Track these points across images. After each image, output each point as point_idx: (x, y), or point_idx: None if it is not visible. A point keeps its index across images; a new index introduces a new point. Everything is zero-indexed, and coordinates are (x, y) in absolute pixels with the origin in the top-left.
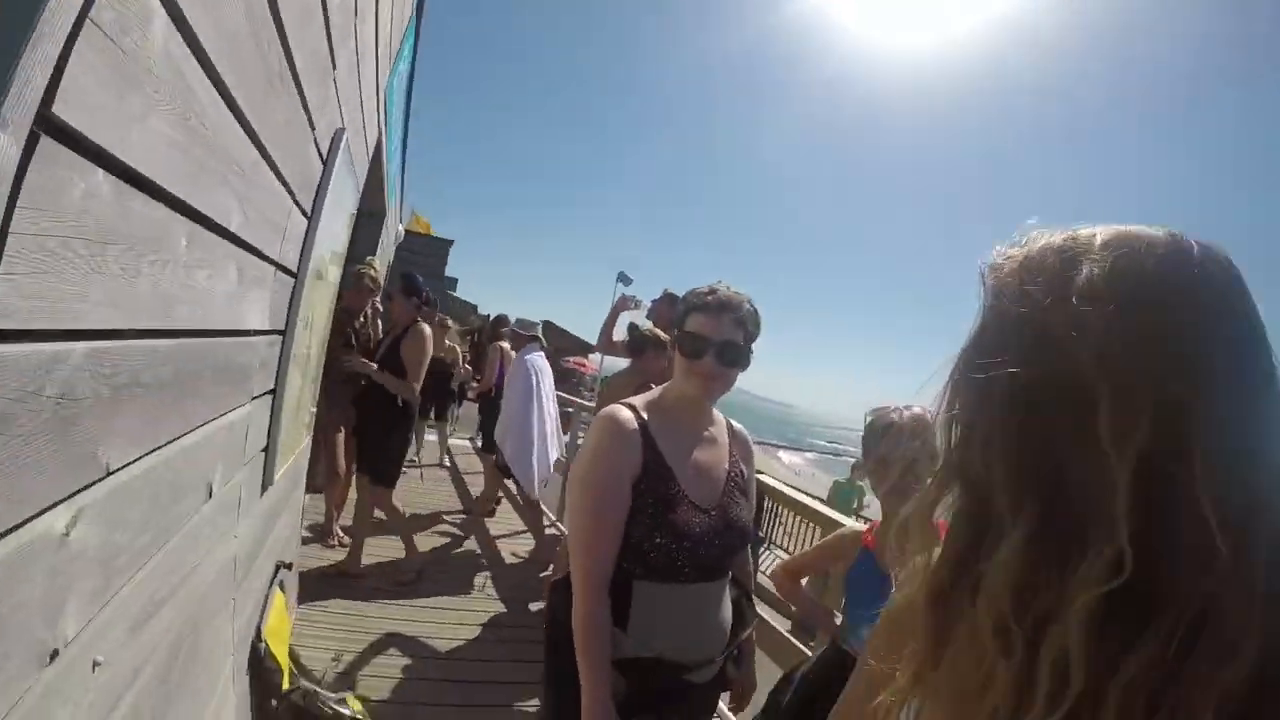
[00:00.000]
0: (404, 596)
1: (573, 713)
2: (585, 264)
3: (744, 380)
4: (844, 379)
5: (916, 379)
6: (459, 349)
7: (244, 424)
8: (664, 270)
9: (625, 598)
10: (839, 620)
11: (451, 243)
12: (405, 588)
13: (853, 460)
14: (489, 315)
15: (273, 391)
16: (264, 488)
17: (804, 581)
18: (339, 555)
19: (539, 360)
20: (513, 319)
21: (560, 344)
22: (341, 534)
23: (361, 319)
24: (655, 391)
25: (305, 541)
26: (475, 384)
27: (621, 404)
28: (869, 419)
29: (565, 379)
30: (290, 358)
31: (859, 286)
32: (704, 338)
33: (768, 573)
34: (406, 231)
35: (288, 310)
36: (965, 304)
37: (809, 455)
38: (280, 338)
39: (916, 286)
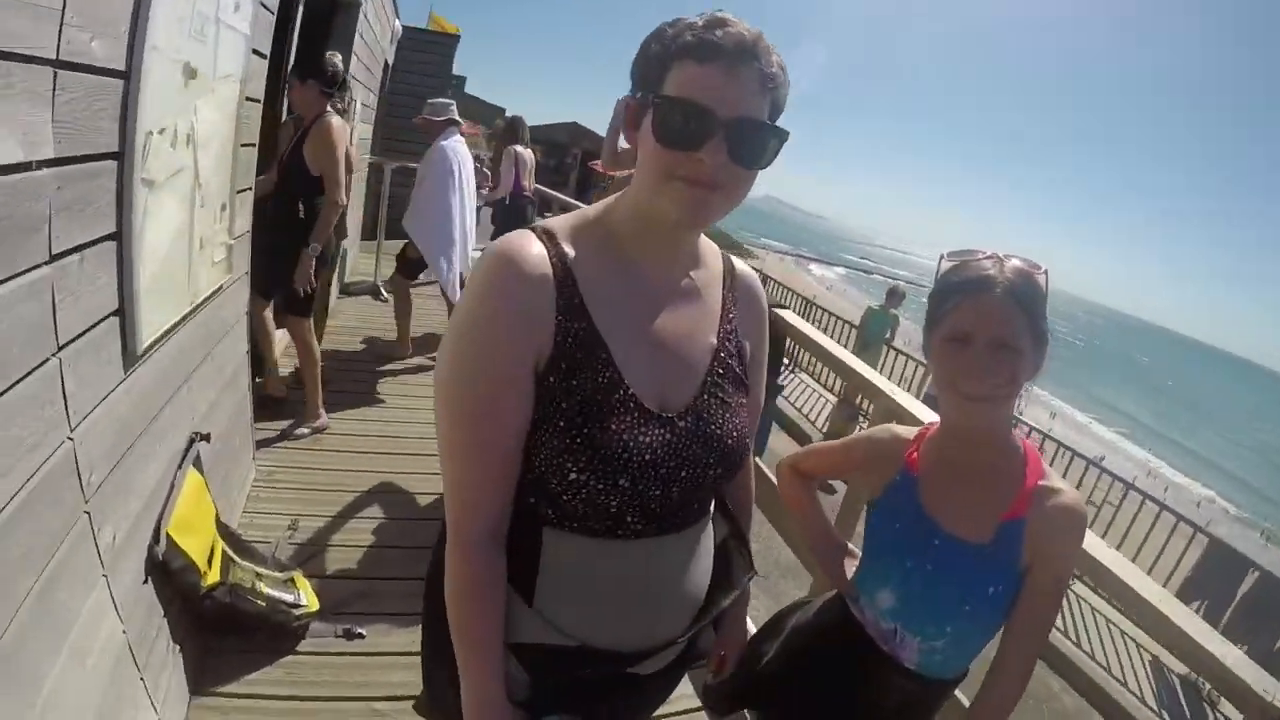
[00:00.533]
0: (370, 447)
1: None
2: (620, 62)
3: (779, 184)
4: (877, 190)
5: (957, 198)
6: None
7: (41, 293)
8: None
9: (531, 551)
10: (852, 571)
11: (457, 37)
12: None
13: (889, 283)
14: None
15: (114, 236)
16: (127, 362)
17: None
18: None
19: (459, 146)
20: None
21: (590, 147)
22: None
23: None
24: (596, 207)
25: (267, 401)
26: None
27: (531, 230)
28: (945, 266)
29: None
30: (138, 185)
31: (884, 91)
32: (702, 109)
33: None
34: (410, 29)
35: (121, 123)
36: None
37: (839, 270)
38: (114, 163)
39: (954, 105)
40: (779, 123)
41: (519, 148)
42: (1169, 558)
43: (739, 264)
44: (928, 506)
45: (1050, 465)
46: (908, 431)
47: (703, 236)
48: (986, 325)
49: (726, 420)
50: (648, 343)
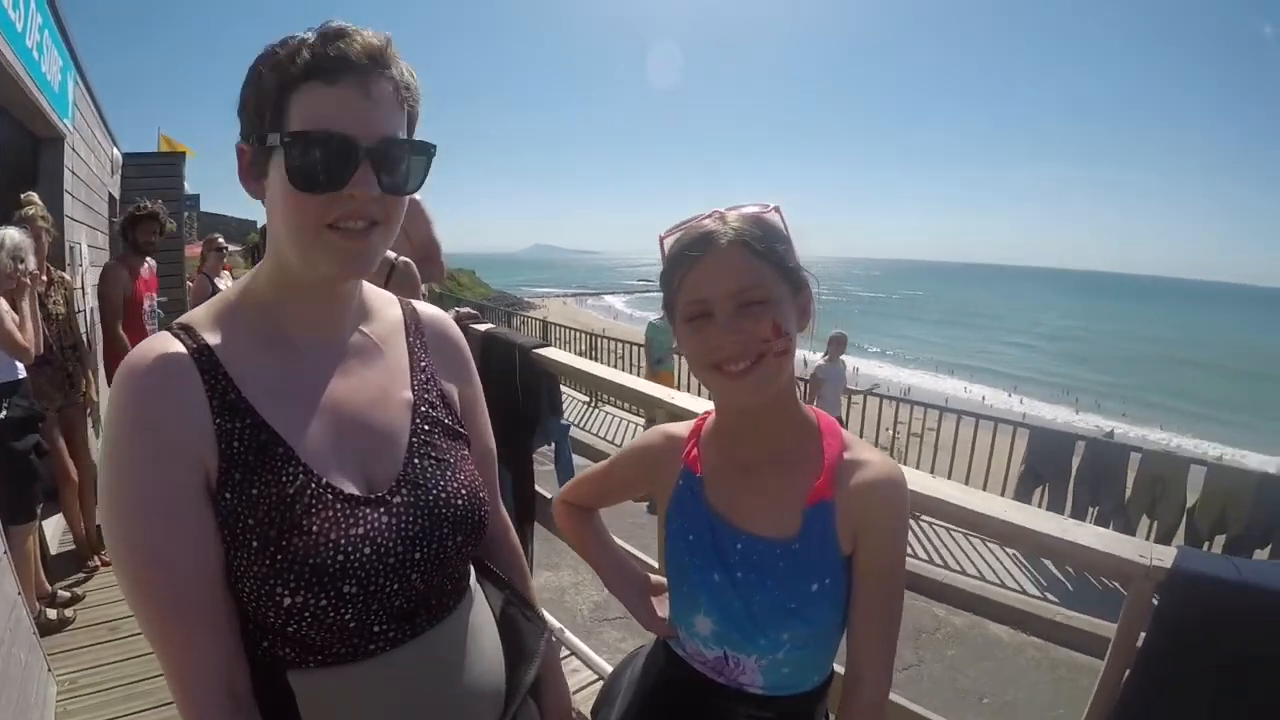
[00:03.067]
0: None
1: None
2: None
3: (544, 232)
4: (640, 216)
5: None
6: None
7: None
8: None
9: (283, 706)
10: (665, 610)
11: (183, 155)
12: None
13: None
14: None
15: None
16: None
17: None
18: (108, 579)
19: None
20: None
21: None
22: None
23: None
24: (236, 286)
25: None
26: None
27: (166, 330)
28: (668, 243)
29: None
30: None
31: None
32: (342, 138)
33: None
34: (134, 155)
35: None
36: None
37: (624, 297)
38: None
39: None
40: (421, 136)
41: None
42: (1000, 460)
43: (422, 307)
44: (719, 508)
45: (854, 419)
46: (681, 428)
47: (368, 284)
48: (722, 284)
49: (449, 480)
50: (331, 420)
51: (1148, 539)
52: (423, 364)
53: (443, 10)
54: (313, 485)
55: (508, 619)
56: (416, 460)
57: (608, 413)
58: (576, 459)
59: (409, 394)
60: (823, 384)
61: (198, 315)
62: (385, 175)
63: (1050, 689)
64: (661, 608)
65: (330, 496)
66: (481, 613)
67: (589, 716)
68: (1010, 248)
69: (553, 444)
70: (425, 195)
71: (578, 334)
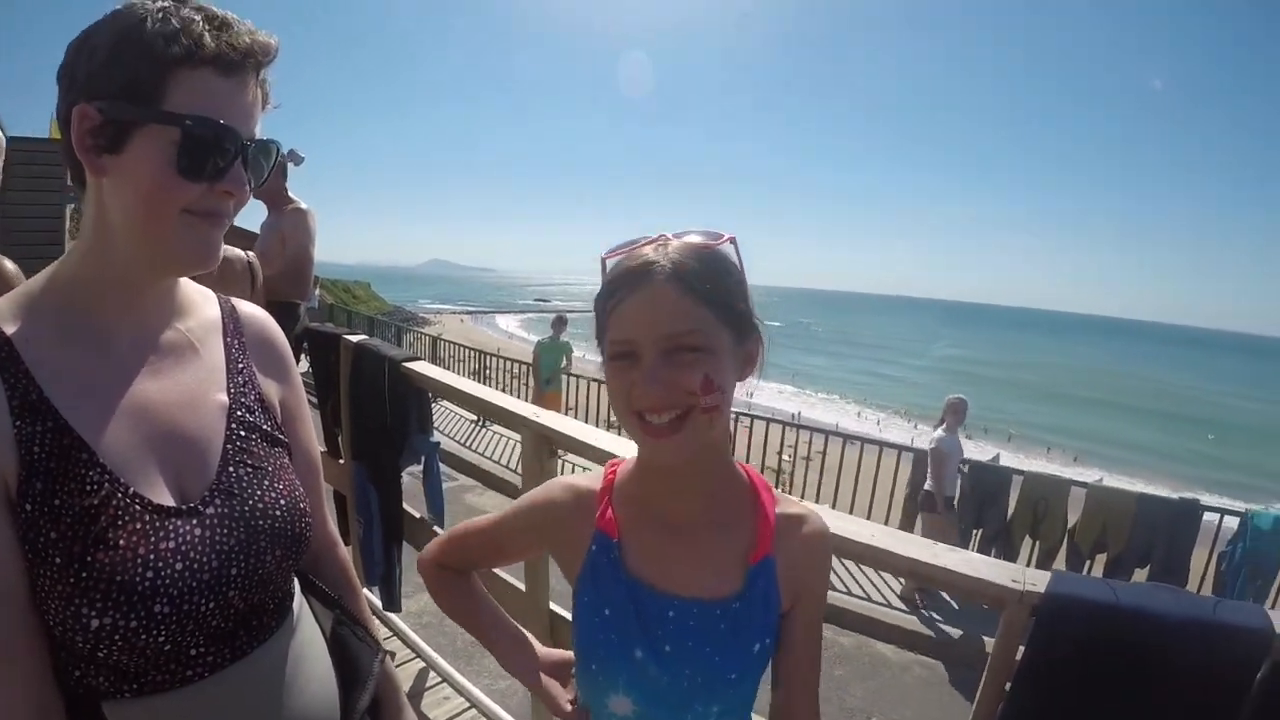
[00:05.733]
0: None
1: None
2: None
3: (441, 247)
4: (536, 236)
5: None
6: None
7: None
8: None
9: None
10: (571, 693)
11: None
12: None
13: (552, 314)
14: None
15: None
16: None
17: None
18: None
19: None
20: None
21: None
22: None
23: None
24: (42, 275)
25: None
26: None
27: None
28: (608, 266)
29: None
30: None
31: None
32: (231, 131)
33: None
34: (20, 140)
35: None
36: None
37: (520, 317)
38: None
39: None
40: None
41: None
42: (886, 484)
43: (242, 305)
44: (642, 575)
45: (740, 442)
46: (589, 481)
47: (186, 280)
48: (650, 326)
49: (266, 490)
50: (140, 423)
51: (1030, 559)
52: (240, 366)
53: (335, 18)
54: (119, 495)
55: (338, 639)
56: (231, 468)
57: (496, 432)
58: (462, 480)
59: (224, 397)
60: (947, 459)
61: (4, 305)
62: (255, 172)
63: (937, 706)
64: (570, 687)
65: (138, 507)
66: (309, 633)
67: None
68: (899, 280)
69: (422, 461)
70: (320, 204)
71: (470, 352)
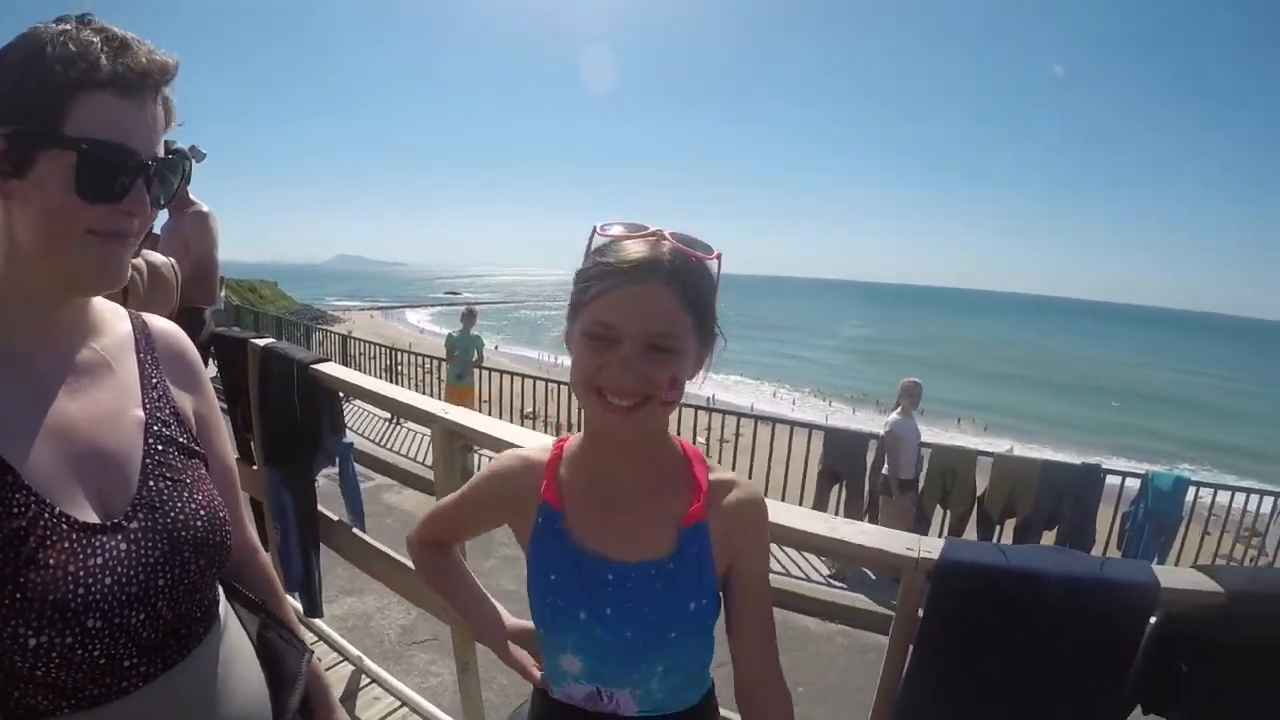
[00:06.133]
0: None
1: None
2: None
3: (350, 243)
4: (446, 229)
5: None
6: None
7: None
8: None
9: None
10: (537, 666)
11: None
12: None
13: (461, 309)
14: None
15: None
16: None
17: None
18: None
19: None
20: None
21: None
22: None
23: None
24: None
25: None
26: None
27: None
28: (597, 242)
29: None
30: None
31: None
32: (130, 152)
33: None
34: None
35: None
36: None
37: (432, 310)
38: None
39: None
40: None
41: None
42: (798, 461)
43: (152, 319)
44: (583, 541)
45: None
46: (539, 454)
47: (99, 298)
48: (640, 320)
49: (186, 501)
50: (61, 443)
51: (941, 527)
52: (154, 380)
53: (239, 7)
54: (46, 515)
55: (265, 642)
56: (152, 482)
57: (410, 429)
58: (379, 479)
59: (140, 412)
60: (900, 442)
61: None
62: (157, 192)
63: (862, 671)
64: (536, 654)
65: (65, 526)
66: (236, 638)
67: None
68: (804, 262)
69: (337, 463)
70: (221, 200)
71: (381, 349)
